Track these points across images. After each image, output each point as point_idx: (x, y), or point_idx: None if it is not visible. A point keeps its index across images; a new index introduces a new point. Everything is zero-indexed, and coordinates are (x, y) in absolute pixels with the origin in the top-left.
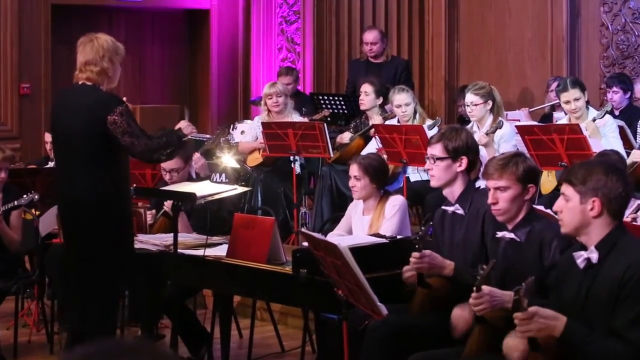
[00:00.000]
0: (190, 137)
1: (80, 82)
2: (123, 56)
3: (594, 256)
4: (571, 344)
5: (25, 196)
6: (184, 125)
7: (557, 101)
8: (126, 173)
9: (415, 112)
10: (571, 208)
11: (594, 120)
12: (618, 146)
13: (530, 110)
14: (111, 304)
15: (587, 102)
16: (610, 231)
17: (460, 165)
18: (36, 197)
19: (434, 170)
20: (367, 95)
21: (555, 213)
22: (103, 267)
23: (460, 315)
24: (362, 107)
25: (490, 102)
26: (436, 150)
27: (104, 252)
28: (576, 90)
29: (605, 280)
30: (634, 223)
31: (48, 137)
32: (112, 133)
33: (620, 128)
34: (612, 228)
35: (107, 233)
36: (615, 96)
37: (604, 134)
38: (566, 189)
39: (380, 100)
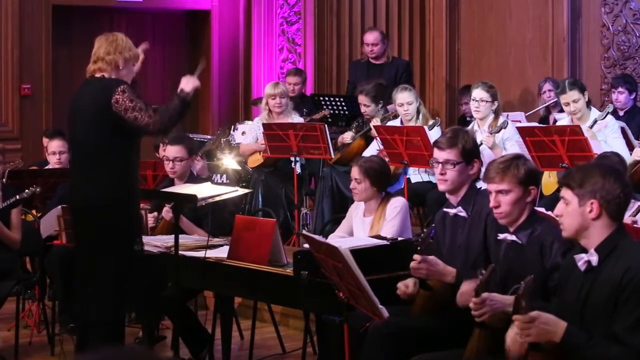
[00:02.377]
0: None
1: (89, 76)
2: (137, 56)
3: (594, 259)
4: (571, 350)
5: (27, 190)
6: (183, 83)
7: (551, 102)
8: (137, 173)
9: (418, 112)
10: (570, 211)
11: (595, 122)
12: (620, 147)
13: (526, 114)
14: (120, 304)
15: (589, 102)
16: (610, 234)
17: (472, 169)
18: (38, 189)
19: (448, 174)
20: (368, 107)
21: (556, 217)
22: (112, 266)
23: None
24: (367, 117)
25: (496, 102)
26: (452, 154)
27: (113, 253)
28: (574, 92)
29: (605, 284)
30: (634, 225)
31: (46, 141)
32: (118, 114)
33: (621, 129)
34: (612, 231)
35: (117, 234)
36: (621, 96)
37: (605, 136)
38: (565, 192)
39: (381, 104)
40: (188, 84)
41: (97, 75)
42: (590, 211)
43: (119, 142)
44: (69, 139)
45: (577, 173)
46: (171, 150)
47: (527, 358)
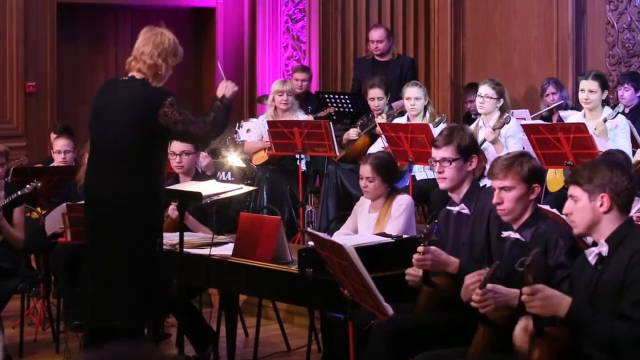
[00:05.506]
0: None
1: (130, 74)
2: (181, 59)
3: (605, 249)
4: (576, 324)
5: (28, 185)
6: (223, 87)
7: (555, 105)
8: (164, 175)
9: (425, 110)
10: (581, 208)
11: (605, 120)
12: (626, 147)
13: (532, 116)
14: (142, 306)
15: (605, 102)
16: (620, 225)
17: (471, 165)
18: (39, 184)
19: (446, 172)
20: (381, 100)
21: (560, 215)
22: (137, 268)
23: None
24: (377, 112)
25: (501, 100)
26: (448, 152)
27: (140, 255)
28: (594, 83)
29: (614, 271)
30: (637, 222)
31: (53, 137)
32: (164, 125)
33: None
34: (622, 222)
35: (145, 237)
36: (626, 93)
37: (615, 135)
38: (574, 190)
39: (388, 98)
40: (228, 89)
41: (137, 76)
42: (601, 205)
43: (151, 146)
44: (94, 137)
45: (584, 169)
46: (177, 145)
47: (533, 348)
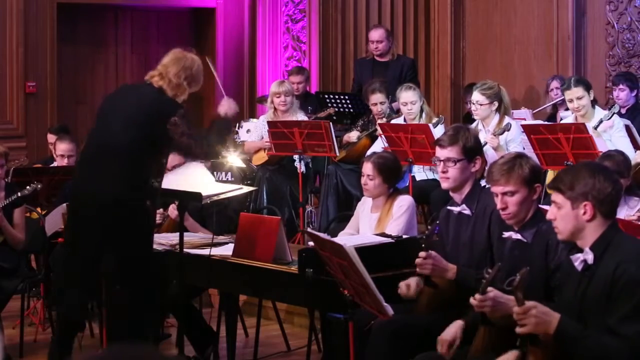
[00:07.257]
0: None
1: (149, 81)
2: (198, 89)
3: (590, 257)
4: (566, 341)
5: (28, 187)
6: (226, 106)
7: (559, 99)
8: (162, 173)
9: (421, 111)
10: (564, 215)
11: (600, 122)
12: (625, 146)
13: (533, 112)
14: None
15: (595, 102)
16: (604, 231)
17: (474, 166)
18: (39, 186)
19: (450, 172)
20: (383, 104)
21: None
22: (133, 265)
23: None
24: (380, 116)
25: (495, 103)
26: (453, 152)
27: (133, 251)
28: (579, 89)
29: (599, 280)
30: (638, 223)
31: (51, 138)
32: (169, 134)
33: (626, 127)
34: (606, 228)
35: (139, 233)
36: (622, 94)
37: (610, 135)
38: (556, 196)
39: (390, 100)
40: (231, 109)
41: (155, 85)
42: (584, 213)
43: (149, 147)
44: (95, 133)
45: (566, 176)
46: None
47: (527, 356)
